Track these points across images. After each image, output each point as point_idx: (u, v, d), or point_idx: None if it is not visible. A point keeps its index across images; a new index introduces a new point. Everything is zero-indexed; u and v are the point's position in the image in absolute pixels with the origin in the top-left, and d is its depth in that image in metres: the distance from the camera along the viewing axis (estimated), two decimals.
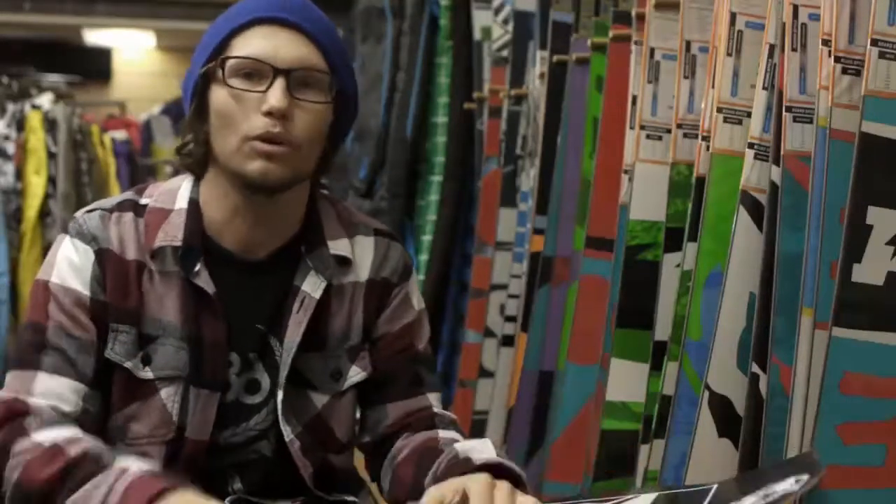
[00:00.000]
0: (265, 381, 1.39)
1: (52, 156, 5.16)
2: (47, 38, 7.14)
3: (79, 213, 1.41)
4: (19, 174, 5.03)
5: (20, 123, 5.16)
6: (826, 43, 1.40)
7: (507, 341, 2.67)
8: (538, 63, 2.60)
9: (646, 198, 1.88)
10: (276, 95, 1.32)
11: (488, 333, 2.88)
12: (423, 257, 3.42)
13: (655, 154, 1.89)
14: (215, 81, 1.36)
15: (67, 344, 1.35)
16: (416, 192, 3.59)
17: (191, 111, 1.39)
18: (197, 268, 1.37)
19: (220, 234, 1.40)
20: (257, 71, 1.34)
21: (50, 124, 5.22)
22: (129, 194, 1.44)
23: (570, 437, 2.07)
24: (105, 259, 1.37)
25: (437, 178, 3.49)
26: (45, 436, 1.28)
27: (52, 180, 5.11)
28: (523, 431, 2.30)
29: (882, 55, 1.32)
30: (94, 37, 7.58)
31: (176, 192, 1.42)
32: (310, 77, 1.35)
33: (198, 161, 1.40)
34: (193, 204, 1.41)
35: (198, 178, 1.42)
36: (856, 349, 1.32)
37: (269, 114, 1.32)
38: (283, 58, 1.34)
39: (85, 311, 1.36)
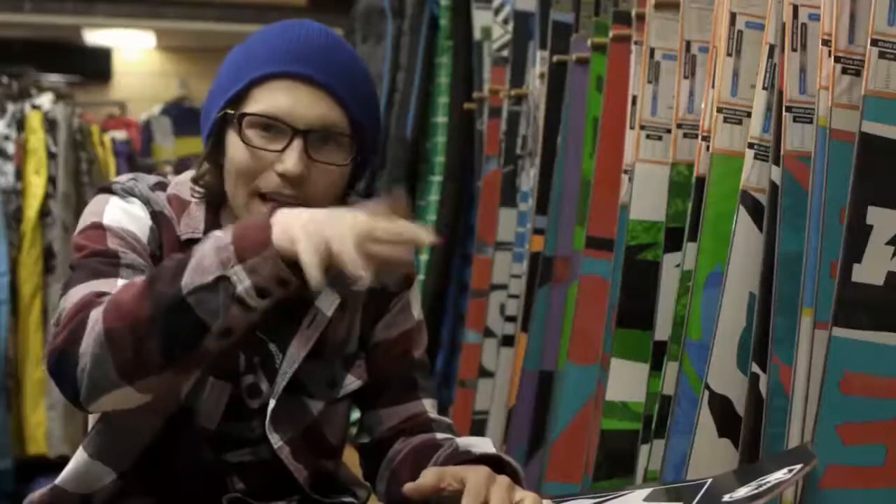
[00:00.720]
0: (265, 387, 1.38)
1: (52, 156, 5.15)
2: (47, 39, 7.13)
3: (121, 178, 1.39)
4: (19, 174, 5.03)
5: (20, 123, 5.15)
6: (826, 43, 1.40)
7: (507, 341, 2.67)
8: (538, 63, 2.60)
9: (646, 198, 1.88)
10: (292, 160, 1.29)
11: (488, 333, 2.88)
12: (423, 257, 3.42)
13: (655, 154, 1.89)
14: (232, 128, 1.33)
15: (137, 261, 1.30)
16: (416, 192, 3.59)
17: (208, 146, 1.37)
18: None
19: None
20: (275, 127, 1.31)
21: (50, 124, 5.22)
22: (153, 177, 1.41)
23: (570, 437, 2.07)
24: (161, 221, 1.35)
25: (437, 178, 3.49)
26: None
27: (52, 180, 5.10)
28: (523, 431, 2.30)
29: (882, 55, 1.32)
30: (95, 37, 7.58)
31: (183, 183, 1.40)
32: (329, 137, 1.32)
33: (214, 193, 1.38)
34: (209, 204, 1.39)
35: (214, 206, 1.39)
36: (856, 349, 1.32)
37: (283, 176, 1.30)
38: (303, 116, 1.30)
39: (143, 254, 1.32)
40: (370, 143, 1.39)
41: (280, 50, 1.35)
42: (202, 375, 1.34)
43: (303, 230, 1.14)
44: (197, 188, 1.39)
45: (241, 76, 1.34)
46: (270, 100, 1.31)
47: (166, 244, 1.35)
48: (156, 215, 1.36)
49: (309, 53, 1.34)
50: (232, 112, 1.33)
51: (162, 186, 1.40)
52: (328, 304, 1.39)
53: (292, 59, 1.33)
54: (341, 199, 1.40)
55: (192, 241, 1.30)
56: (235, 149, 1.32)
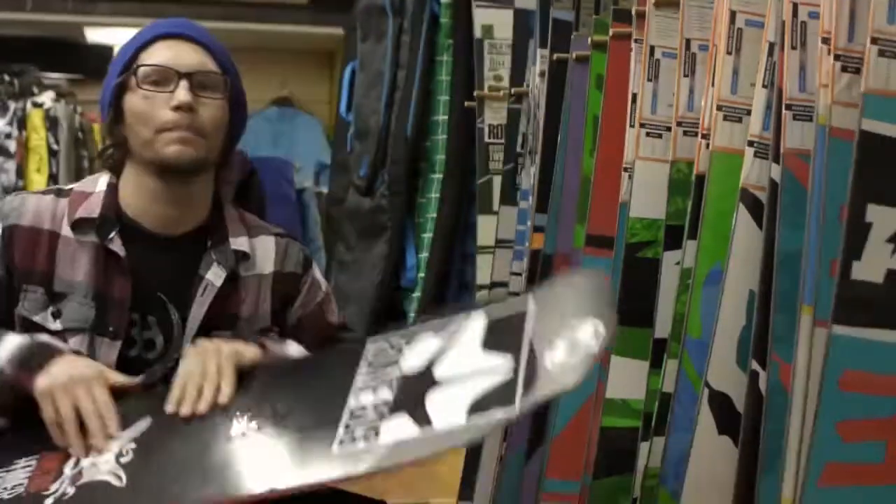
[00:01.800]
0: (159, 341, 1.62)
1: (53, 154, 5.16)
2: (49, 37, 7.12)
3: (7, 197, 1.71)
4: (21, 172, 5.04)
5: (22, 121, 5.16)
6: (826, 41, 1.40)
7: None
8: (538, 61, 2.60)
9: (646, 196, 1.88)
10: (182, 93, 1.60)
11: None
12: (424, 255, 3.43)
13: (655, 152, 1.89)
14: (129, 89, 1.64)
15: None
16: (416, 190, 3.59)
17: (108, 119, 1.66)
18: (111, 235, 1.62)
19: (139, 216, 1.65)
20: (164, 76, 1.62)
21: (51, 122, 5.22)
22: (53, 188, 1.72)
23: (570, 434, 2.07)
24: (13, 233, 1.62)
25: (437, 176, 3.49)
26: None
27: (53, 178, 5.11)
28: (523, 430, 2.30)
29: (881, 53, 1.32)
30: (96, 35, 7.57)
31: (97, 180, 1.69)
32: (207, 79, 1.63)
33: (117, 161, 1.66)
34: (111, 187, 1.67)
35: (117, 175, 1.67)
36: (855, 347, 1.32)
37: (177, 108, 1.59)
38: (185, 63, 1.63)
39: None
40: (238, 90, 1.70)
41: (154, 25, 1.71)
42: (90, 340, 1.60)
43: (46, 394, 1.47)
44: (105, 159, 1.67)
45: (129, 48, 1.68)
46: (157, 55, 1.64)
47: (21, 248, 1.62)
48: (7, 230, 1.63)
49: (177, 22, 1.72)
50: (126, 73, 1.64)
51: (52, 191, 1.68)
52: (216, 276, 1.64)
53: (169, 26, 1.70)
54: (228, 142, 1.68)
55: (85, 220, 1.62)
56: (134, 101, 1.62)
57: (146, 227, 1.65)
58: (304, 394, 1.49)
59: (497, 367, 1.36)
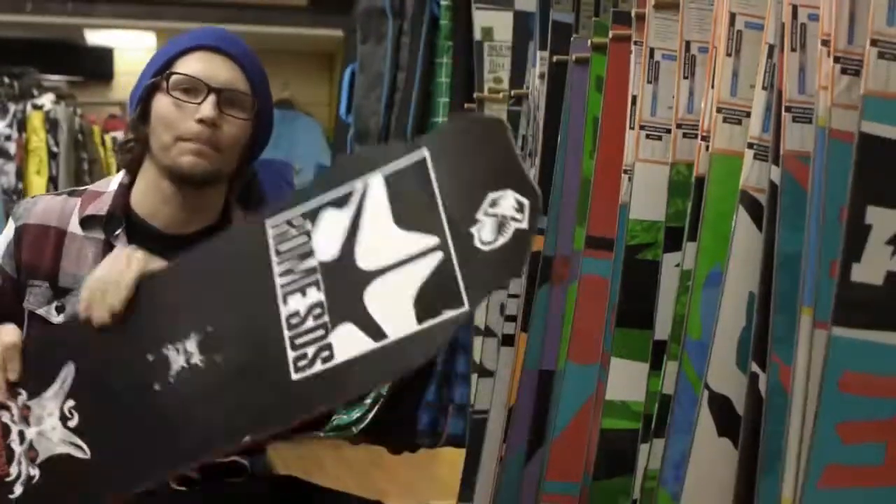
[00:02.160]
0: None
1: (53, 156, 5.17)
2: (49, 39, 7.13)
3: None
4: (21, 174, 5.04)
5: (22, 124, 5.16)
6: (825, 43, 1.40)
7: (507, 341, 2.67)
8: (538, 63, 2.60)
9: (645, 197, 1.88)
10: (207, 108, 1.64)
11: (488, 333, 2.88)
12: None
13: (655, 154, 1.89)
14: (160, 91, 1.67)
15: None
16: None
17: (135, 114, 1.70)
18: (117, 233, 1.67)
19: (150, 215, 1.70)
20: (194, 87, 1.66)
21: (51, 124, 5.23)
22: (77, 187, 1.77)
23: (570, 436, 2.07)
24: (24, 230, 1.68)
25: None
26: None
27: (53, 180, 5.12)
28: (523, 431, 2.30)
29: (881, 55, 1.32)
30: (96, 37, 7.58)
31: (111, 180, 1.75)
32: (236, 97, 1.67)
33: (135, 157, 1.71)
34: (123, 187, 1.71)
35: (132, 174, 1.72)
36: (855, 348, 1.32)
37: (201, 121, 1.63)
38: (217, 78, 1.66)
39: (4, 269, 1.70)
40: (265, 110, 1.73)
41: (199, 33, 1.73)
42: None
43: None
44: (123, 152, 1.72)
45: (168, 52, 1.70)
46: (192, 65, 1.67)
47: (28, 246, 1.67)
48: (18, 230, 1.69)
49: (220, 35, 1.73)
50: (160, 77, 1.67)
51: (67, 192, 1.74)
52: None
53: (208, 38, 1.71)
54: (246, 158, 1.72)
55: (91, 218, 1.67)
56: (162, 104, 1.66)
57: (154, 225, 1.69)
58: (227, 302, 1.43)
59: (422, 248, 1.34)
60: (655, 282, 1.79)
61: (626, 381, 1.87)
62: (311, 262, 1.39)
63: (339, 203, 1.40)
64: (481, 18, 3.30)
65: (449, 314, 1.32)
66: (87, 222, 1.68)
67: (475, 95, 3.30)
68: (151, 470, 1.39)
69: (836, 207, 1.35)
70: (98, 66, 8.40)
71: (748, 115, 1.60)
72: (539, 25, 2.62)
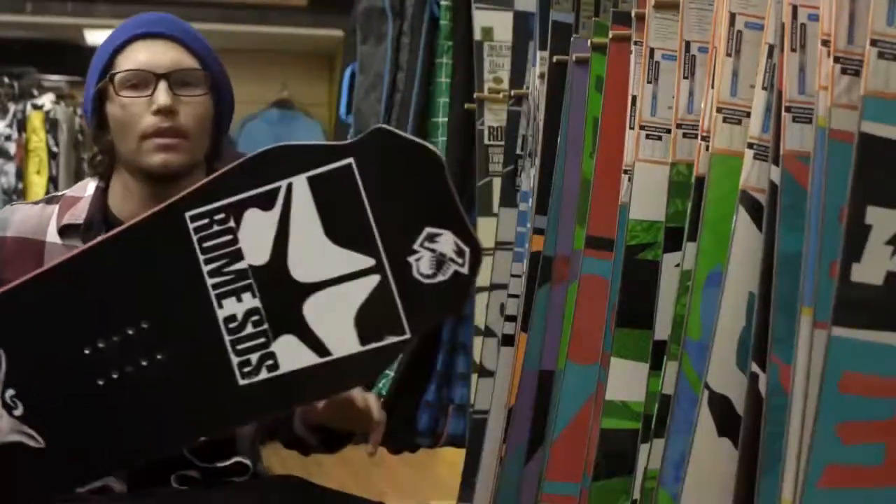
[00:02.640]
0: None
1: (53, 156, 5.17)
2: (49, 39, 7.14)
3: None
4: (21, 174, 5.05)
5: (22, 124, 5.17)
6: (825, 43, 1.40)
7: (507, 341, 2.68)
8: (538, 63, 2.61)
9: (645, 197, 1.88)
10: (161, 95, 1.57)
11: (488, 333, 2.88)
12: None
13: (655, 154, 1.89)
14: (108, 97, 1.61)
15: None
16: None
17: (93, 126, 1.64)
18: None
19: (128, 219, 1.58)
20: (142, 80, 1.59)
21: (51, 124, 5.23)
22: (56, 193, 1.72)
23: (569, 436, 2.07)
24: (1, 246, 1.63)
25: None
26: None
27: (53, 180, 5.12)
28: (523, 431, 2.30)
29: (881, 55, 1.32)
30: (96, 37, 7.58)
31: (86, 185, 1.70)
32: (187, 76, 1.60)
33: (106, 167, 1.66)
34: (99, 191, 1.66)
35: (106, 181, 1.66)
36: (855, 349, 1.32)
37: (157, 112, 1.57)
38: (161, 63, 1.60)
39: None
40: (220, 80, 1.66)
41: (131, 23, 1.66)
42: None
43: None
44: (93, 167, 1.67)
45: (104, 53, 1.63)
46: (132, 58, 1.60)
47: (8, 257, 1.62)
48: None
49: (154, 19, 1.65)
50: (104, 81, 1.60)
51: (44, 199, 1.69)
52: None
53: (142, 25, 1.64)
54: (217, 134, 1.66)
55: (70, 227, 1.62)
56: (115, 109, 1.60)
57: None
58: (159, 298, 1.44)
59: (358, 268, 1.37)
60: (655, 282, 1.79)
61: (626, 381, 1.87)
62: (242, 265, 1.40)
63: (263, 203, 1.41)
64: (481, 18, 3.30)
65: (391, 340, 1.38)
66: (65, 231, 1.63)
67: (475, 95, 3.30)
68: (106, 464, 1.43)
69: (836, 207, 1.35)
70: None
71: (748, 115, 1.60)
72: (539, 25, 2.62)
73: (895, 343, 1.32)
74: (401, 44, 3.60)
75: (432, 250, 1.37)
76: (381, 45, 3.71)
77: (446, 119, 3.50)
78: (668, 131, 1.87)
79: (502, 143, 3.07)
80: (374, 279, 1.37)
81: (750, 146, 1.56)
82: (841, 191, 1.34)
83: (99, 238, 1.49)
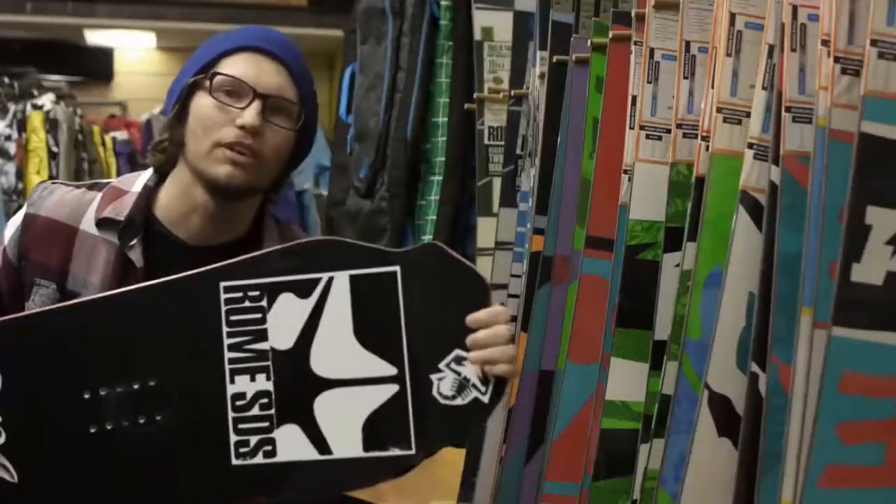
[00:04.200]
0: None
1: (53, 156, 5.17)
2: (48, 39, 7.13)
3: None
4: (21, 174, 5.04)
5: (22, 124, 5.16)
6: (825, 43, 1.40)
7: None
8: (538, 63, 2.61)
9: (645, 197, 1.89)
10: (251, 114, 1.52)
11: None
12: None
13: (655, 154, 1.89)
14: (201, 91, 1.55)
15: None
16: (416, 192, 3.59)
17: (172, 113, 1.57)
18: (133, 242, 1.55)
19: (174, 224, 1.58)
20: (239, 90, 1.53)
21: (51, 124, 5.23)
22: (100, 180, 1.66)
23: (570, 436, 2.07)
24: (30, 222, 1.58)
25: (437, 178, 3.49)
26: None
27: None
28: (523, 431, 2.30)
29: (881, 55, 1.32)
30: (96, 37, 7.58)
31: (136, 178, 1.62)
32: (282, 105, 1.55)
33: (168, 158, 1.59)
34: (148, 189, 1.59)
35: (161, 175, 1.60)
36: (855, 348, 1.32)
37: (242, 127, 1.51)
38: (263, 83, 1.54)
39: (8, 259, 1.60)
40: (310, 122, 1.62)
41: (248, 32, 1.60)
42: None
43: None
44: (156, 152, 1.59)
45: (213, 50, 1.57)
46: (239, 66, 1.55)
47: (35, 239, 1.56)
48: (27, 218, 1.58)
49: (271, 37, 1.60)
50: (203, 75, 1.55)
51: (89, 185, 1.62)
52: None
53: (258, 39, 1.58)
54: (285, 170, 1.62)
55: (108, 221, 1.55)
56: (203, 105, 1.54)
57: (177, 235, 1.58)
58: (173, 359, 1.41)
59: (379, 375, 1.37)
60: (655, 282, 1.79)
61: (626, 381, 1.87)
62: (264, 346, 1.39)
63: (301, 291, 1.40)
64: (481, 18, 3.30)
65: (394, 452, 1.36)
66: (103, 224, 1.57)
67: (475, 95, 3.30)
68: None
69: (836, 207, 1.35)
70: (98, 66, 8.41)
71: (748, 115, 1.61)
72: (539, 25, 2.62)
73: (895, 343, 1.32)
74: (401, 44, 3.61)
75: (457, 373, 1.36)
76: (381, 45, 3.71)
77: (446, 119, 3.50)
78: (668, 131, 1.87)
79: (502, 143, 3.07)
80: (392, 389, 1.36)
81: (750, 146, 1.56)
82: (841, 191, 1.34)
83: (130, 287, 1.45)
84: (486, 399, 1.37)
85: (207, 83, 1.54)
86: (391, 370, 1.37)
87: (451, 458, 2.93)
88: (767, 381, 1.45)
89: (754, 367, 1.49)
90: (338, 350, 1.38)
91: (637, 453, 1.79)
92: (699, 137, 1.70)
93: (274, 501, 1.39)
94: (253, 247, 1.57)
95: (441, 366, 1.37)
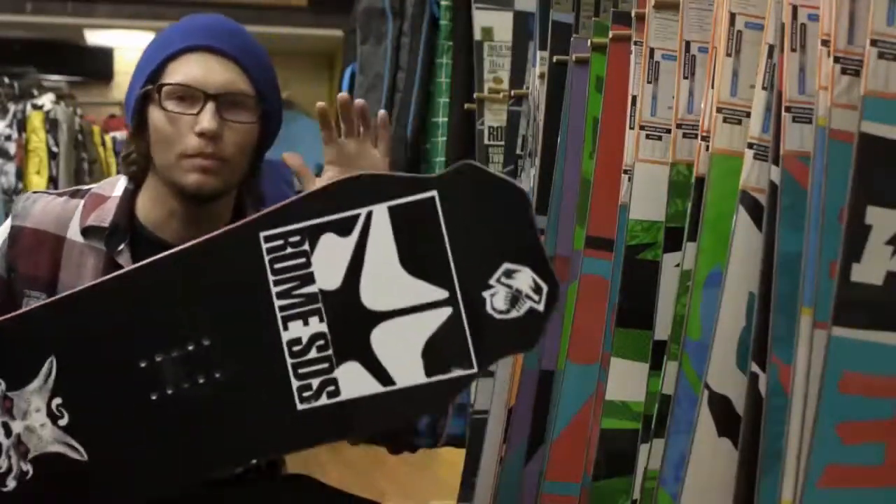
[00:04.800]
0: None
1: (53, 156, 5.17)
2: (49, 39, 7.14)
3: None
4: (21, 174, 5.04)
5: (22, 124, 5.17)
6: (825, 43, 1.40)
7: None
8: (538, 63, 2.61)
9: (645, 197, 1.88)
10: (207, 118, 1.50)
11: None
12: None
13: (655, 154, 1.89)
14: (153, 103, 1.54)
15: None
16: None
17: (132, 126, 1.57)
18: (121, 247, 1.56)
19: (157, 227, 1.59)
20: (189, 95, 1.52)
21: (51, 124, 5.23)
22: (71, 189, 1.66)
23: (570, 436, 2.07)
24: (18, 234, 1.57)
25: None
26: None
27: (53, 180, 5.12)
28: (523, 431, 2.30)
29: (881, 55, 1.32)
30: (96, 37, 7.58)
31: (116, 182, 1.63)
32: (237, 99, 1.54)
33: (140, 169, 1.59)
34: (128, 193, 1.60)
35: (137, 184, 1.60)
36: (855, 348, 1.32)
37: (201, 134, 1.50)
38: (213, 83, 1.52)
39: None
40: (272, 107, 1.60)
41: (190, 30, 1.57)
42: None
43: None
44: (126, 164, 1.59)
45: (156, 56, 1.55)
46: (184, 71, 1.53)
47: (24, 251, 1.56)
48: (13, 230, 1.58)
49: (215, 31, 1.57)
50: (151, 87, 1.53)
51: (70, 192, 1.62)
52: None
53: (201, 36, 1.55)
54: (255, 160, 1.62)
55: (93, 229, 1.56)
56: (158, 119, 1.53)
57: (163, 238, 1.59)
58: (223, 316, 1.41)
59: (431, 300, 1.36)
60: (655, 282, 1.79)
61: (626, 381, 1.87)
62: (312, 289, 1.38)
63: (341, 229, 1.39)
64: (481, 18, 3.30)
65: (458, 373, 1.35)
66: (88, 232, 1.58)
67: (475, 95, 3.30)
68: (152, 484, 1.39)
69: (836, 207, 1.35)
70: (98, 66, 8.42)
71: (748, 115, 1.61)
72: (539, 25, 2.62)
73: (895, 343, 1.32)
74: (401, 44, 3.60)
75: (508, 286, 1.35)
76: (381, 45, 3.71)
77: (446, 119, 3.50)
78: (668, 131, 1.87)
79: (502, 143, 3.07)
80: (446, 311, 1.36)
81: (750, 146, 1.56)
82: (841, 191, 1.34)
83: (169, 252, 1.44)
84: (541, 308, 1.36)
85: (156, 95, 1.53)
86: (442, 294, 1.36)
87: (451, 458, 2.94)
88: (767, 381, 1.45)
89: (754, 367, 1.49)
90: (386, 282, 1.37)
91: (637, 453, 1.79)
92: (699, 137, 1.70)
93: (345, 438, 1.39)
94: None
95: (491, 282, 1.36)
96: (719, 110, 1.64)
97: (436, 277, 1.37)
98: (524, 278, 1.36)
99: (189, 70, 1.53)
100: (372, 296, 1.38)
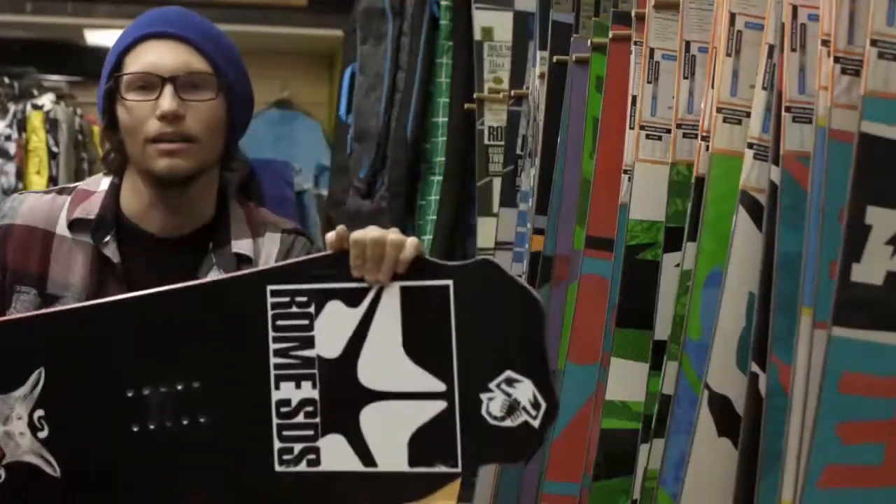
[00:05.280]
0: None
1: (53, 156, 5.17)
2: (49, 39, 7.13)
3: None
4: (21, 174, 5.04)
5: (22, 124, 5.17)
6: (825, 43, 1.40)
7: None
8: (538, 63, 2.61)
9: (645, 197, 1.89)
10: (166, 100, 1.53)
11: None
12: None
13: (655, 154, 1.89)
14: (117, 98, 1.57)
15: None
16: (416, 192, 3.59)
17: (105, 125, 1.61)
18: (107, 239, 1.58)
19: (139, 219, 1.61)
20: (148, 83, 1.55)
21: (51, 124, 5.23)
22: (58, 187, 1.69)
23: (569, 436, 2.07)
24: (6, 233, 1.60)
25: (437, 178, 3.49)
26: None
27: (53, 180, 5.12)
28: None
29: (881, 55, 1.32)
30: (96, 37, 7.58)
31: (100, 179, 1.66)
32: (195, 79, 1.56)
33: (118, 165, 1.62)
34: (113, 187, 1.63)
35: (120, 179, 1.63)
36: (855, 349, 1.32)
37: (162, 117, 1.53)
38: (167, 66, 1.55)
39: None
40: (234, 83, 1.60)
41: (142, 22, 1.61)
42: None
43: None
44: (105, 162, 1.64)
45: (112, 54, 1.60)
46: (140, 60, 1.56)
47: (14, 248, 1.59)
48: (3, 229, 1.60)
49: (166, 17, 1.60)
50: (111, 82, 1.58)
51: (57, 190, 1.66)
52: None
53: (151, 24, 1.59)
54: (228, 140, 1.61)
55: (80, 221, 1.59)
56: (122, 111, 1.57)
57: (146, 229, 1.61)
58: (218, 361, 1.40)
59: (427, 390, 1.35)
60: (655, 282, 1.79)
61: (626, 381, 1.88)
62: (310, 353, 1.37)
63: (350, 299, 1.37)
64: (481, 18, 3.30)
65: (441, 469, 1.34)
66: (75, 225, 1.60)
67: (475, 95, 3.30)
68: None
69: (836, 207, 1.35)
70: (98, 66, 8.42)
71: (748, 115, 1.61)
72: (539, 25, 2.62)
73: (895, 343, 1.32)
74: (401, 44, 3.60)
75: (508, 394, 1.33)
76: (381, 45, 3.71)
77: (446, 119, 3.50)
78: (668, 131, 1.87)
79: (502, 143, 3.07)
80: (441, 405, 1.34)
81: (750, 146, 1.56)
82: (841, 191, 1.34)
83: (177, 286, 1.44)
84: (536, 424, 1.34)
85: (118, 89, 1.57)
86: (440, 386, 1.34)
87: None
88: (767, 381, 1.45)
89: (754, 367, 1.49)
90: (386, 362, 1.36)
91: (637, 453, 1.79)
92: (699, 137, 1.70)
93: None
94: (220, 232, 1.62)
95: (491, 385, 1.34)
96: (719, 110, 1.64)
97: (436, 368, 1.35)
98: (525, 390, 1.34)
99: (143, 58, 1.57)
100: (369, 373, 1.36)
